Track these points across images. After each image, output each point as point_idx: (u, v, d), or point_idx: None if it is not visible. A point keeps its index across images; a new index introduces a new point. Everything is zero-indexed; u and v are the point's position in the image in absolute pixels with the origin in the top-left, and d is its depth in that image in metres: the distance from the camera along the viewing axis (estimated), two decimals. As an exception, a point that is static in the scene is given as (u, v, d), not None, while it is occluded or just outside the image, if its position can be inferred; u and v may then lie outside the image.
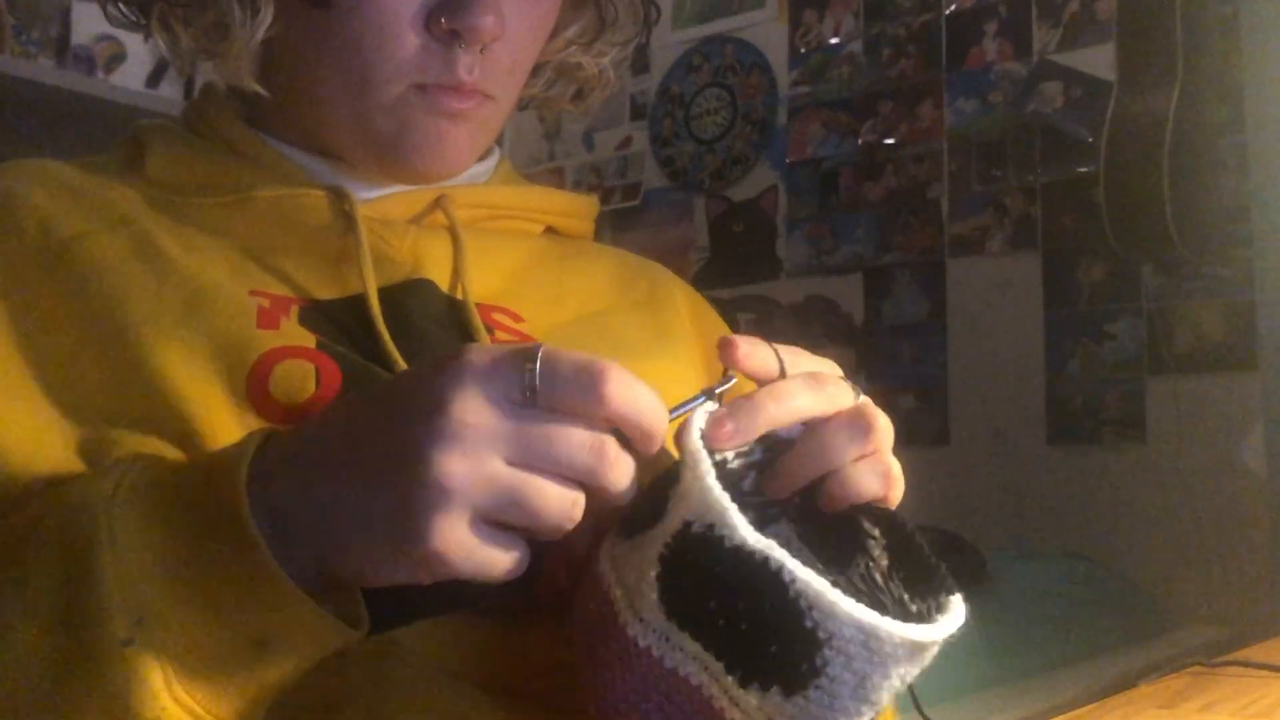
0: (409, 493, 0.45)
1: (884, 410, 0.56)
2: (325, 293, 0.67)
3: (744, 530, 0.46)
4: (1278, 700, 0.71)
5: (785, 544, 0.54)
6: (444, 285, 0.70)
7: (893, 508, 0.55)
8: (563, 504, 0.47)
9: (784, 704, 0.46)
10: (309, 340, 0.63)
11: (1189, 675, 0.78)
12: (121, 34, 2.44)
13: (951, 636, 0.49)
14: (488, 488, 0.45)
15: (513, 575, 0.47)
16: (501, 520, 0.46)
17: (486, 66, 0.68)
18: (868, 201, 2.49)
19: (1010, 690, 1.43)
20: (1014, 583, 1.84)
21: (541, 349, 0.47)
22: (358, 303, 0.66)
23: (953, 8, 2.42)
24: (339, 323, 0.65)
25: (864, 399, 0.56)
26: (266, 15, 0.67)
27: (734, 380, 0.53)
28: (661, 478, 0.50)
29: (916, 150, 2.44)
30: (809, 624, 0.45)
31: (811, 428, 0.54)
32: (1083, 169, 2.20)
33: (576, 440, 0.46)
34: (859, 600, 0.47)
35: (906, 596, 0.52)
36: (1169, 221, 1.93)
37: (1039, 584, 1.87)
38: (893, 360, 2.42)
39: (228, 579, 0.46)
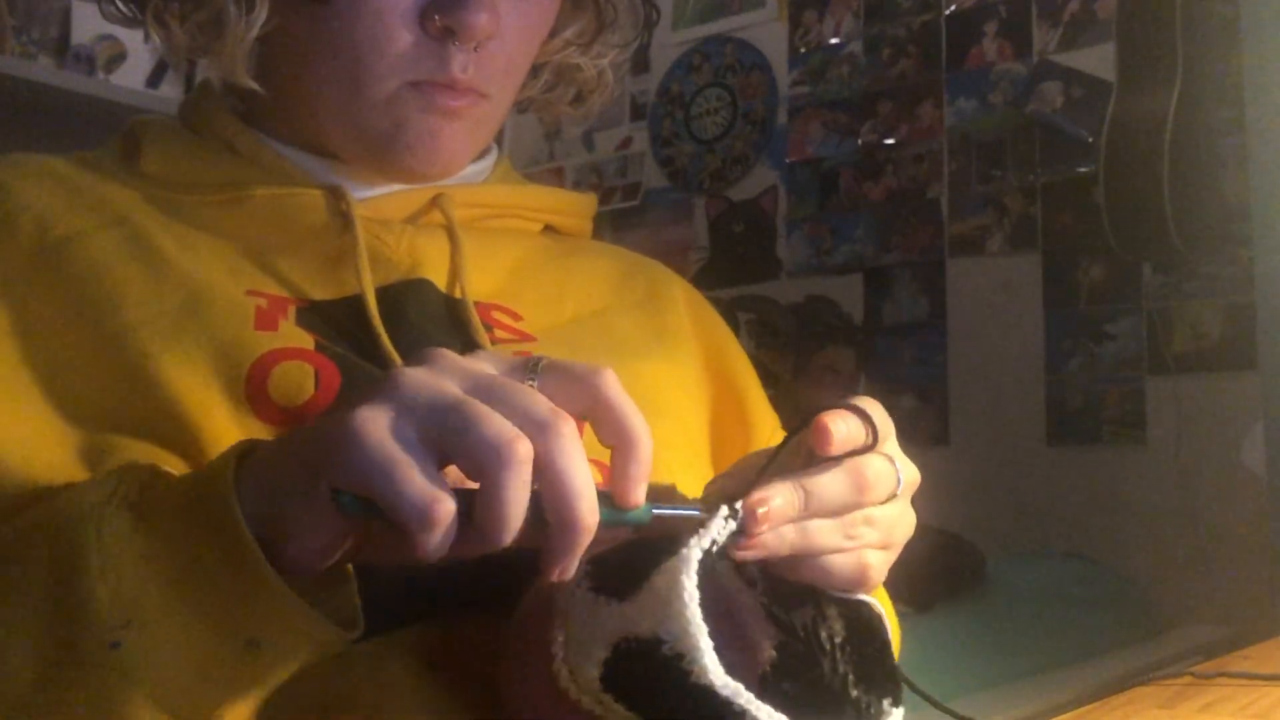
0: (361, 396, 0.44)
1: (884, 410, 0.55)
2: (322, 293, 0.66)
3: (714, 673, 0.45)
4: (1278, 701, 0.71)
5: (745, 573, 0.53)
6: (441, 285, 0.69)
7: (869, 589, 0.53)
8: (499, 435, 0.42)
9: None
10: (307, 341, 0.62)
11: (1189, 675, 0.78)
12: (122, 34, 2.44)
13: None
14: (436, 396, 0.44)
15: (424, 514, 0.42)
16: (433, 437, 0.43)
17: (481, 64, 0.67)
18: (868, 201, 2.49)
19: (1010, 690, 1.43)
20: (1014, 583, 1.84)
21: (544, 357, 0.47)
22: (355, 303, 0.66)
23: (953, 8, 2.42)
24: (336, 323, 0.65)
25: (902, 478, 0.52)
26: (262, 12, 0.67)
27: (759, 519, 0.49)
28: (653, 546, 0.48)
29: (916, 150, 2.44)
30: None
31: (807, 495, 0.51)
32: (1083, 169, 2.20)
33: (535, 402, 0.44)
34: (790, 644, 0.47)
35: (853, 679, 0.51)
36: (1169, 221, 1.93)
37: (1039, 584, 1.87)
38: (893, 360, 2.42)
39: (217, 580, 0.46)
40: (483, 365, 0.47)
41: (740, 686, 0.45)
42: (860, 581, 0.52)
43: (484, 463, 0.42)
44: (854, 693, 0.50)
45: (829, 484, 0.50)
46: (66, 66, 2.40)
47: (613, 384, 0.47)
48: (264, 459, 0.48)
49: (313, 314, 0.65)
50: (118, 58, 2.48)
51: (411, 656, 0.56)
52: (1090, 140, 2.18)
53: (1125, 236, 2.03)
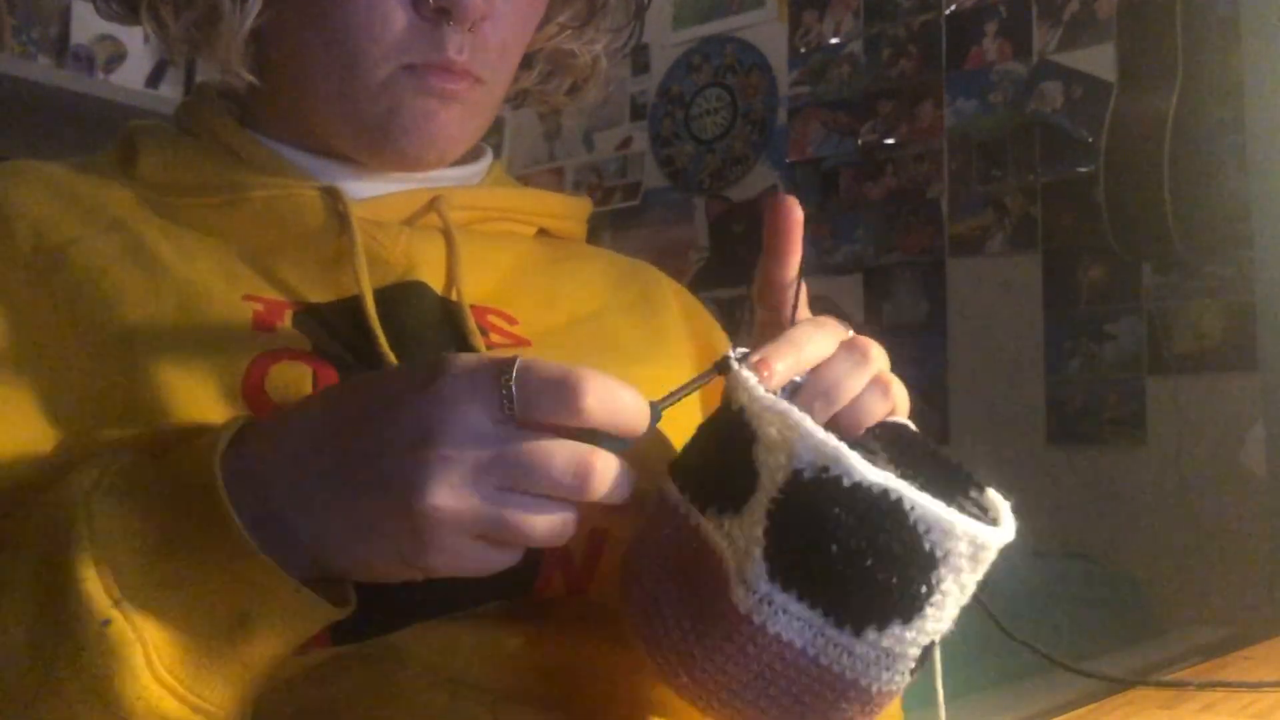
0: (405, 522, 0.47)
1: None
2: (319, 295, 0.66)
3: (862, 467, 0.46)
4: (1278, 702, 0.71)
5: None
6: (438, 287, 0.69)
7: (901, 419, 0.57)
8: (550, 524, 0.48)
9: (903, 633, 0.47)
10: (304, 344, 0.63)
11: (1189, 675, 0.78)
12: (121, 34, 2.44)
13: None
14: (475, 517, 0.47)
15: (511, 563, 0.49)
16: (493, 539, 0.48)
17: (476, 47, 0.67)
18: (868, 201, 2.49)
19: (1010, 690, 1.43)
20: (1014, 583, 1.84)
21: (518, 362, 0.48)
22: (352, 305, 0.66)
23: (953, 8, 2.41)
24: (333, 325, 0.65)
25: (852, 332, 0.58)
26: (255, 3, 0.67)
27: (735, 361, 0.53)
28: (727, 445, 0.50)
29: (916, 150, 2.43)
30: (927, 545, 0.46)
31: (816, 370, 0.55)
32: (1083, 169, 2.20)
33: (558, 462, 0.47)
34: None
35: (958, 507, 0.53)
36: (1169, 221, 1.93)
37: (1039, 584, 1.87)
38: (893, 360, 2.41)
39: (205, 556, 0.47)
40: (485, 450, 0.47)
41: (889, 473, 0.47)
42: (890, 400, 0.57)
43: (545, 545, 0.49)
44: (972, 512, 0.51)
45: (806, 330, 0.55)
46: (66, 66, 2.40)
47: (590, 408, 0.48)
48: (301, 482, 0.50)
49: (309, 316, 0.65)
50: (117, 57, 2.48)
51: (410, 660, 0.56)
52: (1090, 140, 2.18)
53: (1125, 237, 2.03)
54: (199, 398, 0.59)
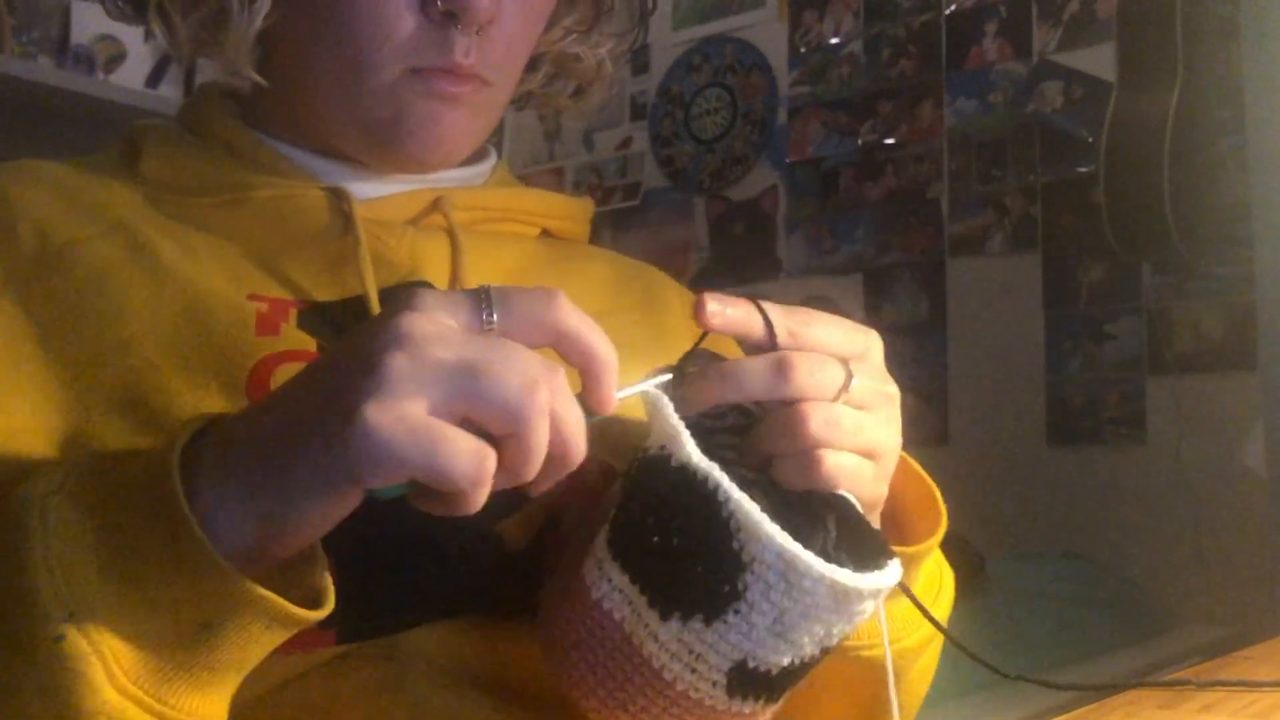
0: (346, 386, 0.44)
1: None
2: (323, 294, 0.66)
3: (690, 450, 0.48)
4: (1278, 702, 0.71)
5: None
6: (442, 287, 0.69)
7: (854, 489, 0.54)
8: (520, 389, 0.44)
9: (704, 631, 0.48)
10: (309, 344, 0.62)
11: (1189, 675, 0.78)
12: (122, 34, 2.43)
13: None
14: (436, 371, 0.43)
15: (477, 475, 0.43)
16: (454, 408, 0.44)
17: (483, 50, 0.67)
18: (868, 201, 2.49)
19: (1010, 690, 1.42)
20: (1014, 583, 1.84)
21: (490, 286, 0.47)
22: (356, 304, 0.66)
23: (953, 8, 2.42)
24: (338, 325, 0.65)
25: (855, 384, 0.54)
26: (264, 3, 0.67)
27: (698, 361, 0.53)
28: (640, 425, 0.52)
29: (916, 150, 2.44)
30: (735, 545, 0.47)
31: (773, 407, 0.53)
32: (1083, 169, 2.20)
33: (527, 353, 0.45)
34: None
35: (852, 567, 0.52)
36: (1169, 221, 1.93)
37: (1039, 584, 1.87)
38: (893, 360, 2.41)
39: (162, 564, 0.45)
40: (445, 320, 0.46)
41: (715, 465, 0.48)
42: (812, 474, 0.52)
43: (513, 417, 0.44)
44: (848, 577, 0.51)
45: (750, 368, 0.52)
46: (66, 66, 2.40)
47: (569, 311, 0.48)
48: (249, 451, 0.46)
49: (314, 316, 0.65)
50: (117, 58, 2.48)
51: (412, 659, 0.56)
52: (1090, 140, 2.18)
53: (1125, 237, 2.03)
54: (203, 399, 0.59)
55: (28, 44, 2.36)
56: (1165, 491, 2.06)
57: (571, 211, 0.83)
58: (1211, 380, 2.05)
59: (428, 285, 0.69)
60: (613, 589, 0.49)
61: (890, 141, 2.47)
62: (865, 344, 0.56)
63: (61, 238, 0.65)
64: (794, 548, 0.47)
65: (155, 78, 2.51)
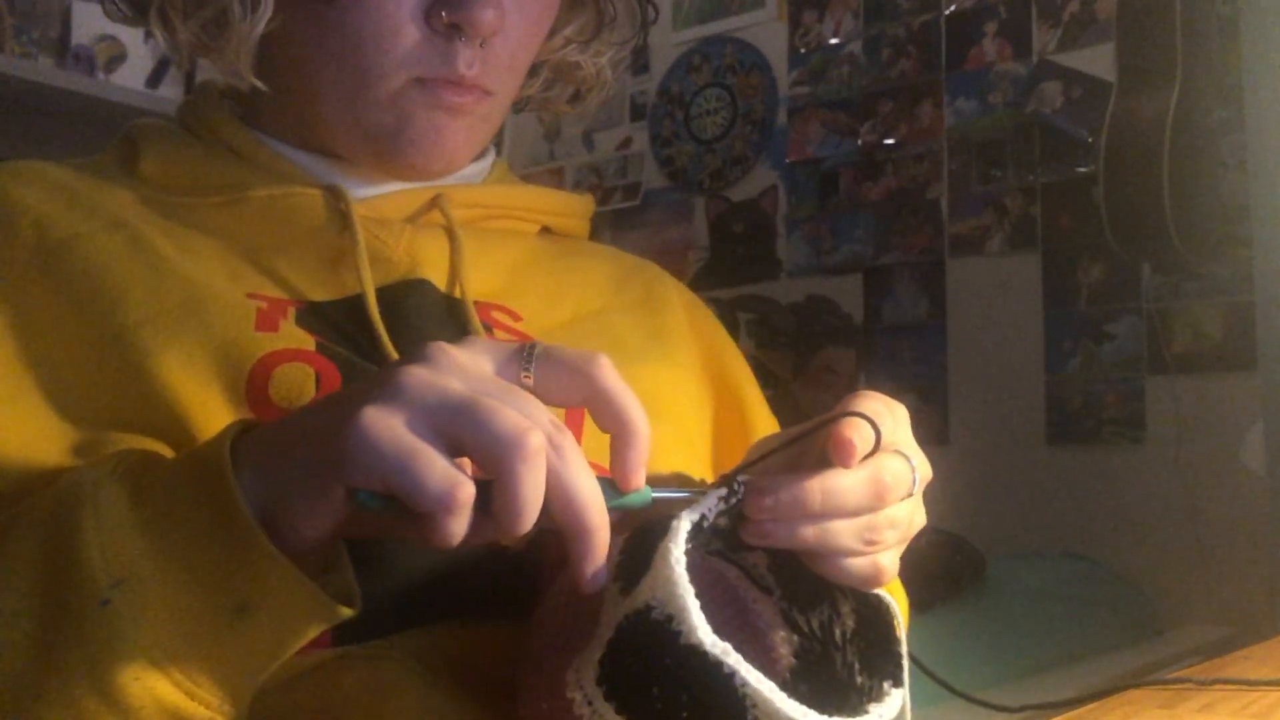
0: (364, 390, 0.45)
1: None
2: (322, 293, 0.66)
3: (702, 631, 0.45)
4: (1278, 702, 0.71)
5: (754, 572, 0.54)
6: (441, 284, 0.69)
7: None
8: (513, 429, 0.43)
9: None
10: (308, 343, 0.63)
11: (1189, 675, 0.78)
12: (122, 34, 2.44)
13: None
14: (441, 395, 0.44)
15: (446, 498, 0.43)
16: (446, 432, 0.44)
17: (486, 61, 0.68)
18: (868, 201, 2.49)
19: (1010, 690, 1.42)
20: (1014, 583, 1.84)
21: (539, 343, 0.48)
22: (355, 303, 0.66)
23: (953, 8, 2.42)
24: (336, 324, 0.65)
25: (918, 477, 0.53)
26: (267, 9, 0.67)
27: (740, 492, 0.50)
28: (657, 529, 0.49)
29: (916, 150, 2.44)
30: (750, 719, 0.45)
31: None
32: (1083, 169, 2.20)
33: (539, 405, 0.46)
34: (809, 646, 0.48)
35: (858, 666, 0.52)
36: (1169, 221, 1.93)
37: (1039, 584, 1.87)
38: (893, 360, 2.42)
39: (208, 543, 0.47)
40: (480, 362, 0.48)
41: (729, 647, 0.45)
42: (876, 580, 0.53)
43: (501, 454, 0.43)
44: (859, 679, 0.51)
45: (850, 488, 0.50)
46: (66, 67, 2.40)
47: (609, 372, 0.48)
48: (267, 447, 0.49)
49: (312, 315, 0.65)
50: (118, 58, 2.48)
51: (409, 661, 0.56)
52: (1090, 140, 2.18)
53: (1125, 236, 2.03)
54: (203, 395, 0.59)
55: (28, 44, 2.36)
56: (1165, 491, 2.06)
57: (571, 208, 0.83)
58: (1211, 380, 2.05)
59: (428, 284, 0.69)
60: None
61: (890, 142, 2.47)
62: (902, 415, 0.55)
63: (61, 233, 0.65)
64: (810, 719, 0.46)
65: (155, 78, 2.51)
